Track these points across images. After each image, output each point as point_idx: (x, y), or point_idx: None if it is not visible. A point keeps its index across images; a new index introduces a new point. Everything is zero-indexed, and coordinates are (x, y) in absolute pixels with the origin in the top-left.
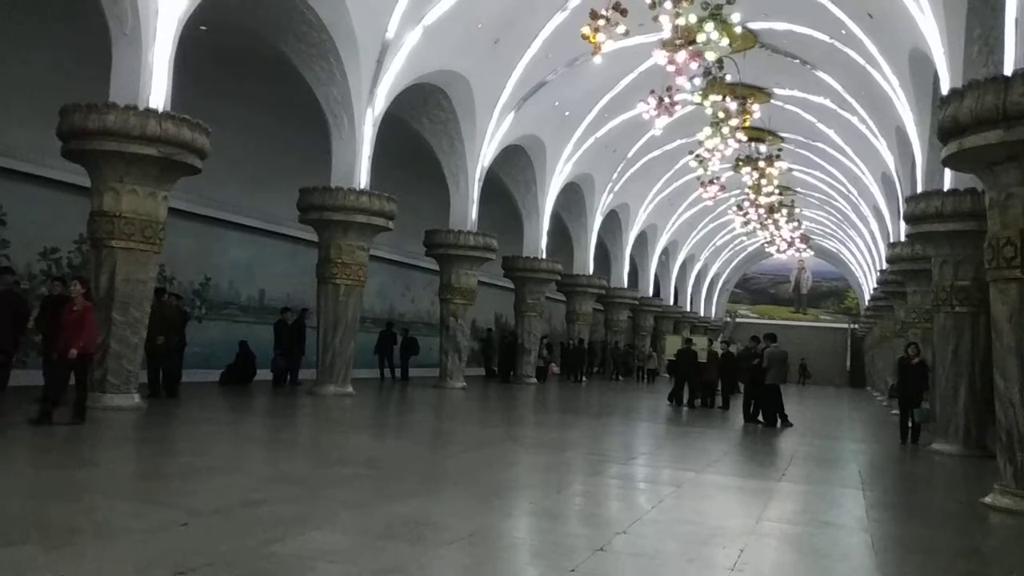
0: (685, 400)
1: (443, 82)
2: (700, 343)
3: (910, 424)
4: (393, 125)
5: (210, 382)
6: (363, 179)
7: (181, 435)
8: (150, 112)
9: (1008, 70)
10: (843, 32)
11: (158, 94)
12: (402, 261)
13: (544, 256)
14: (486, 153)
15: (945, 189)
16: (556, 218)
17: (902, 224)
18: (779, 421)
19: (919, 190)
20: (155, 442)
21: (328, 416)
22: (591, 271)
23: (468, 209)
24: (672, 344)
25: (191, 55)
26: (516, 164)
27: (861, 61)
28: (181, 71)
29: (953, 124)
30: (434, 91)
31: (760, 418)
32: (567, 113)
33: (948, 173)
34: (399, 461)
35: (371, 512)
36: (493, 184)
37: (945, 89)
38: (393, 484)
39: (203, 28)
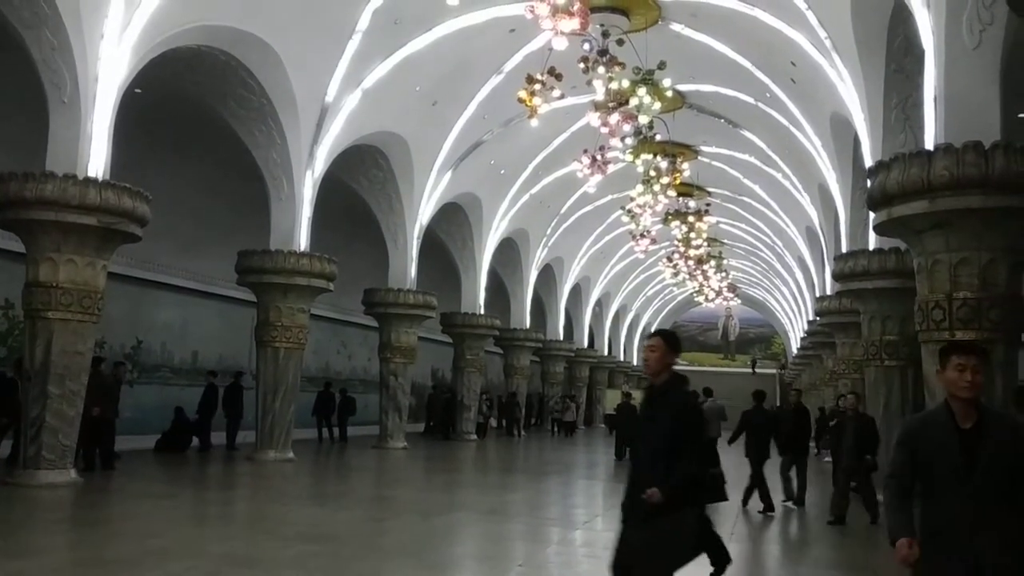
0: (626, 455)
1: (381, 143)
2: (639, 396)
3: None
4: (330, 184)
5: (144, 449)
6: (303, 241)
7: (123, 513)
8: (89, 181)
9: (930, 144)
10: (767, 95)
11: (97, 161)
12: (338, 318)
13: (482, 311)
14: (424, 211)
15: (871, 248)
16: (493, 273)
17: (827, 276)
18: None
19: (843, 245)
20: (97, 524)
21: (272, 485)
22: (528, 324)
23: (407, 267)
24: (612, 398)
25: (126, 117)
26: (453, 221)
27: (785, 122)
28: (116, 133)
29: (881, 194)
30: (372, 151)
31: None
32: (503, 171)
33: (872, 231)
34: (351, 534)
35: None
36: (431, 241)
37: (866, 152)
38: (350, 561)
39: (138, 91)
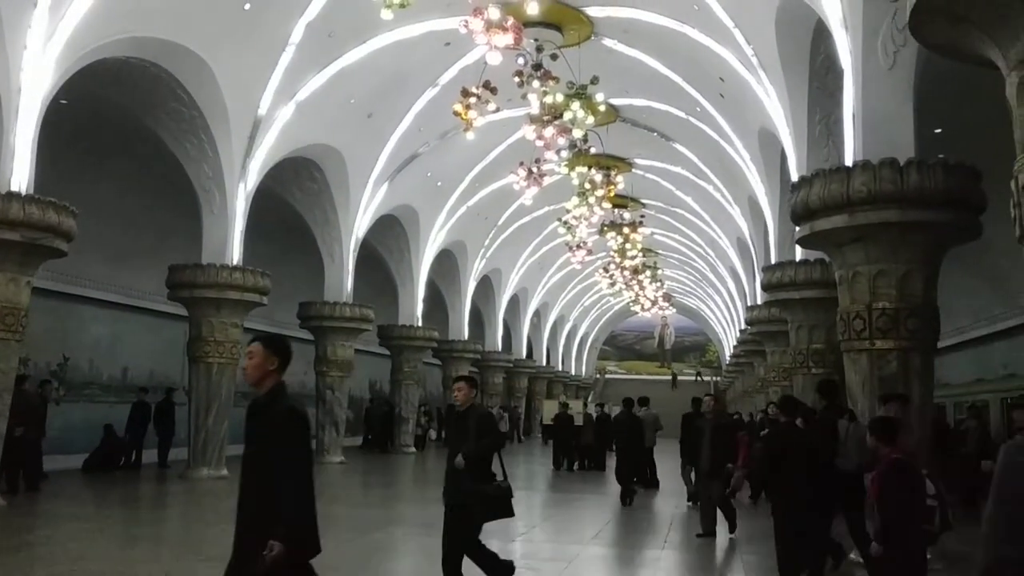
0: (564, 465)
1: (316, 155)
2: (576, 407)
3: None
4: (264, 197)
5: (72, 469)
6: (236, 255)
7: (49, 537)
8: (13, 195)
9: (849, 160)
10: (698, 109)
11: (20, 175)
12: (273, 332)
13: (420, 323)
14: (360, 224)
15: (797, 259)
16: (431, 285)
17: (758, 286)
18: (657, 483)
19: (772, 255)
20: (20, 548)
21: (205, 504)
22: (466, 336)
23: (343, 280)
24: (549, 409)
25: (52, 130)
26: (390, 233)
27: (715, 136)
28: (41, 146)
29: (804, 208)
30: (306, 164)
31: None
32: (439, 183)
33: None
34: None
35: None
36: (367, 253)
37: (792, 166)
38: None
39: (64, 102)
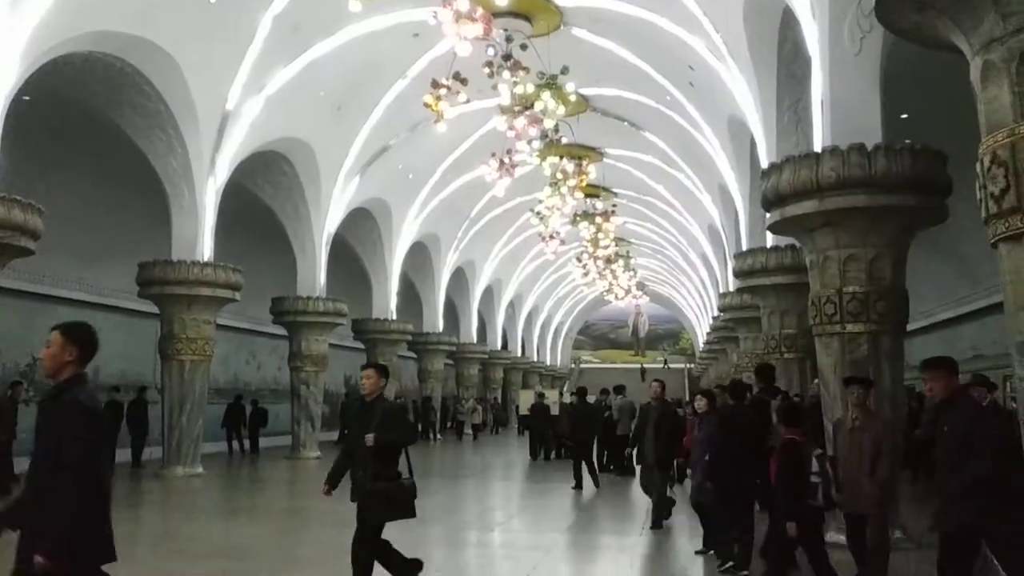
0: (541, 454)
1: (286, 149)
2: (551, 396)
3: None
4: (234, 191)
5: None
6: (207, 251)
7: None
8: None
9: (818, 146)
10: (668, 98)
11: None
12: (246, 328)
13: (394, 316)
14: (332, 217)
15: (768, 246)
16: (404, 278)
17: (730, 273)
18: (633, 470)
19: (743, 242)
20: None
21: (181, 502)
22: (441, 328)
23: (316, 274)
24: (525, 399)
25: (16, 127)
26: (363, 227)
27: (685, 125)
28: (5, 144)
29: (775, 194)
30: (277, 158)
31: (612, 468)
32: (411, 176)
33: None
34: (264, 548)
35: None
36: (340, 247)
37: (761, 153)
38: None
39: (26, 99)
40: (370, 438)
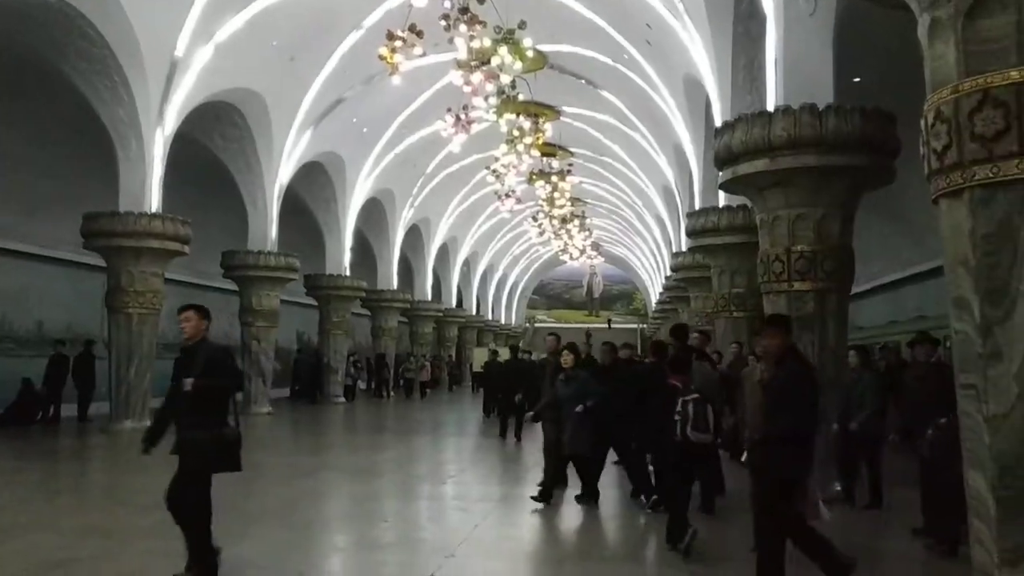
0: (494, 411)
1: (237, 100)
2: (505, 354)
3: None
4: (183, 142)
5: None
6: (155, 202)
7: None
8: None
9: (771, 105)
10: (625, 56)
11: None
12: (196, 282)
13: (348, 273)
14: (284, 171)
15: (720, 206)
16: (359, 234)
17: (683, 234)
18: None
19: (697, 203)
20: None
21: (128, 456)
22: (395, 286)
23: (267, 228)
24: (479, 357)
25: None
26: (316, 181)
27: (641, 83)
28: None
29: (727, 153)
30: (227, 109)
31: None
32: (365, 129)
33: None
34: (213, 500)
35: None
36: (292, 201)
37: (716, 112)
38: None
39: None
40: (188, 382)
